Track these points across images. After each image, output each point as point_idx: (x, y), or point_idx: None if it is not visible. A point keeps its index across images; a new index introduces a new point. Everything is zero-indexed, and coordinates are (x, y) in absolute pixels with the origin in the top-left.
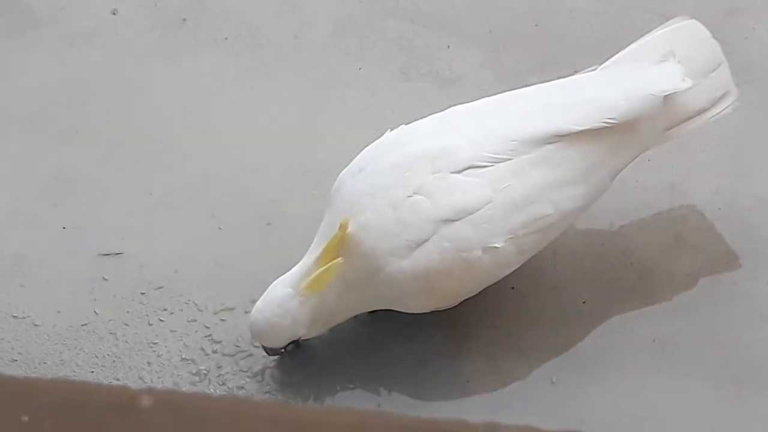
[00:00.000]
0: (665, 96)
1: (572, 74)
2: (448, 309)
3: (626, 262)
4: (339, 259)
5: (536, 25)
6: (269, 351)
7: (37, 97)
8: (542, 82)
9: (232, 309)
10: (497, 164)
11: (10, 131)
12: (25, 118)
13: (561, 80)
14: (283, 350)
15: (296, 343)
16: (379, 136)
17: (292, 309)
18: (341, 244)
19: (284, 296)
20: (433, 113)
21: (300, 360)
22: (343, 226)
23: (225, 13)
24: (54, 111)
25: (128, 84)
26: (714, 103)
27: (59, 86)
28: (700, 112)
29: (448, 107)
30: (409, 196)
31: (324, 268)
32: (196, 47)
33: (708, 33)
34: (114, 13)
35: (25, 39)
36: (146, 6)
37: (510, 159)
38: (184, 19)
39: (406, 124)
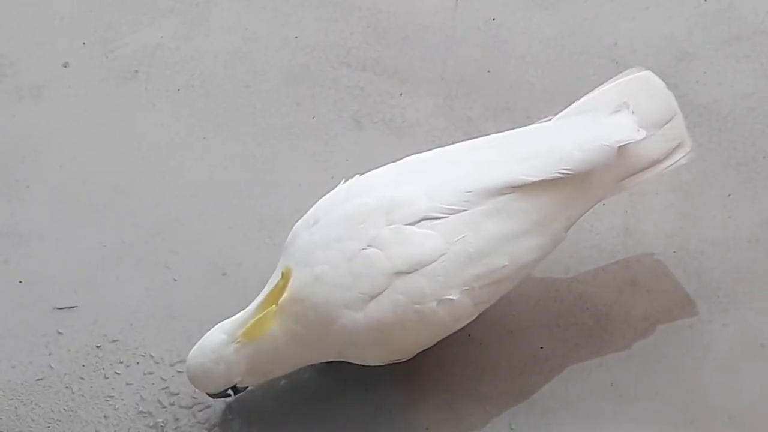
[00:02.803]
0: (619, 147)
1: (525, 120)
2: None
3: (582, 307)
4: (273, 306)
5: (488, 71)
6: (208, 394)
7: None
8: (495, 128)
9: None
10: (451, 215)
11: None
12: None
13: (516, 130)
14: (225, 395)
15: (234, 389)
16: (334, 185)
17: (226, 355)
18: (281, 293)
19: (219, 342)
20: (387, 161)
21: (257, 409)
22: (285, 275)
23: (176, 65)
24: (5, 165)
25: (80, 136)
26: (668, 155)
27: (10, 140)
28: (654, 163)
29: (402, 154)
30: (363, 249)
31: (260, 315)
32: (148, 99)
33: (662, 84)
34: (65, 66)
35: None
36: (97, 58)
37: (464, 210)
38: (136, 71)
39: (361, 173)
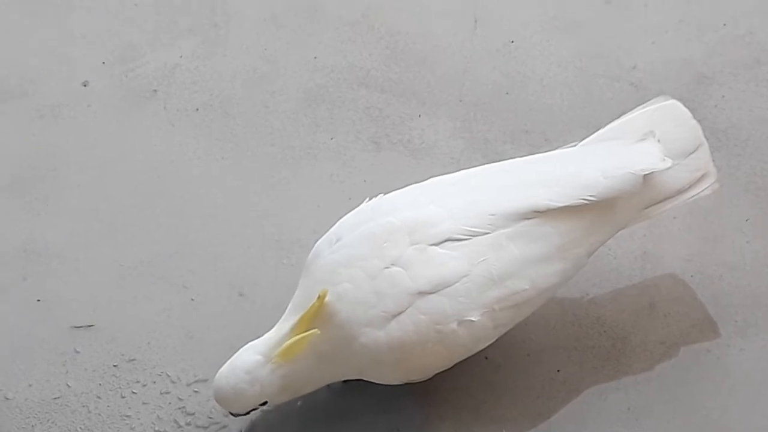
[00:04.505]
0: (645, 175)
1: (543, 142)
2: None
3: (600, 330)
4: (315, 330)
5: (507, 93)
6: (233, 414)
7: (7, 170)
8: (513, 151)
9: (205, 381)
10: (475, 237)
11: None
12: None
13: (541, 155)
14: (246, 413)
15: (261, 406)
16: (352, 206)
17: (261, 376)
18: (318, 314)
19: (254, 363)
20: (405, 182)
21: (274, 430)
22: (321, 297)
23: (195, 84)
24: (24, 183)
25: (99, 155)
26: (693, 184)
27: (29, 158)
28: (678, 192)
29: (420, 176)
30: (386, 268)
31: (299, 336)
32: (167, 118)
33: (689, 114)
34: (85, 85)
35: None
36: (117, 77)
37: (488, 233)
38: (155, 90)
39: (382, 194)
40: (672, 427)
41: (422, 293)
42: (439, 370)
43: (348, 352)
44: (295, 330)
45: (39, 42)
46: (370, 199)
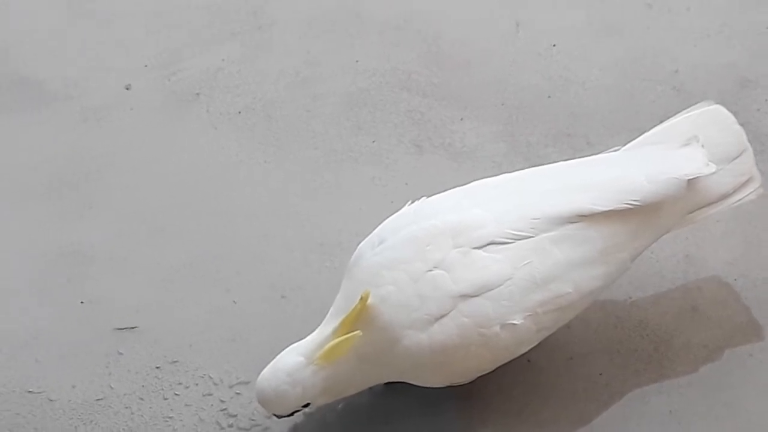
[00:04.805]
0: (689, 180)
1: (585, 146)
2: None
3: (642, 333)
4: (357, 332)
5: (549, 96)
6: (275, 415)
7: (52, 172)
8: (555, 154)
9: (247, 383)
10: (518, 241)
11: (26, 206)
12: (39, 193)
13: (584, 159)
14: (289, 415)
15: (303, 407)
16: (394, 209)
17: (303, 378)
18: (360, 316)
19: (296, 365)
20: (447, 185)
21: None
22: (363, 298)
23: (237, 88)
24: (68, 185)
25: (142, 158)
26: (737, 189)
27: (73, 161)
28: (723, 197)
29: (462, 179)
30: (429, 270)
31: (341, 338)
32: (210, 121)
33: (733, 119)
34: (128, 89)
35: (39, 115)
36: (160, 81)
37: (531, 236)
38: (198, 94)
39: (424, 197)
40: (714, 430)
41: (465, 296)
42: (481, 373)
43: (390, 355)
44: (337, 332)
45: (82, 46)
46: (412, 202)
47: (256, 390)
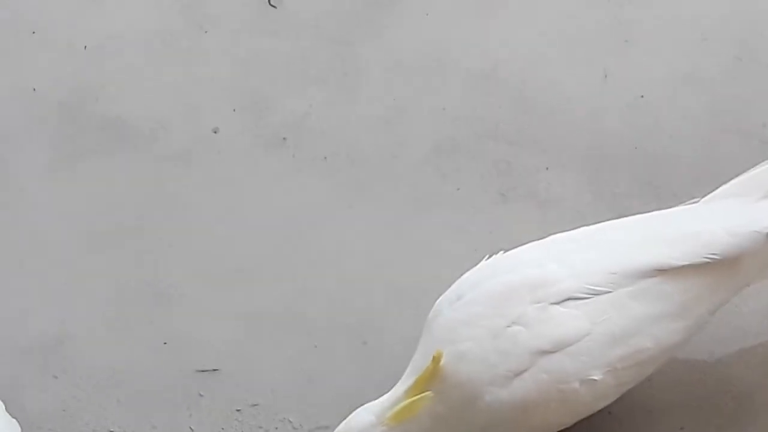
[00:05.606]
0: None
1: (671, 197)
2: None
3: (724, 389)
4: (428, 393)
5: (635, 147)
6: None
7: (137, 212)
8: (641, 205)
9: (326, 428)
10: (596, 296)
11: (109, 244)
12: (122, 233)
13: (662, 211)
14: None
15: None
16: (477, 258)
17: None
18: (433, 377)
19: (366, 423)
20: (531, 235)
21: None
22: (435, 359)
23: (324, 133)
24: (153, 225)
25: (227, 201)
26: None
27: (159, 201)
28: None
29: (547, 229)
30: (508, 326)
31: (411, 400)
32: (296, 166)
33: None
34: (215, 132)
35: (124, 155)
36: (248, 125)
37: (609, 291)
38: (284, 138)
39: (505, 248)
40: None
41: (544, 352)
42: (561, 427)
43: (468, 412)
44: (409, 392)
45: (170, 88)
46: (489, 256)
47: None
